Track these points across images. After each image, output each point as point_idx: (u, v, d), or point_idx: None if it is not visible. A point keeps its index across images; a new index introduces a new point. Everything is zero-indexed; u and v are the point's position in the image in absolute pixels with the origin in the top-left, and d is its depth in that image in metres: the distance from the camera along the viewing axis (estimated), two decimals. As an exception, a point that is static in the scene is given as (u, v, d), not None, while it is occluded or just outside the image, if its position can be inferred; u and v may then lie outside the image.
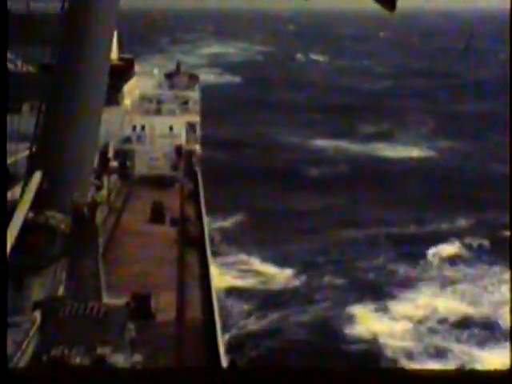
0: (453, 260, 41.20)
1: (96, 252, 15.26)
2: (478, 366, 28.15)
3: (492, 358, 29.23)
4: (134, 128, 41.89)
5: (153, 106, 45.94)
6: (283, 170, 60.92)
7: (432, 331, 32.43)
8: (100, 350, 14.23)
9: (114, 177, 35.24)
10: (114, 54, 39.83)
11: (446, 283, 37.67)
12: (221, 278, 35.47)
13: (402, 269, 39.53)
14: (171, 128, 42.22)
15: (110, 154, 32.20)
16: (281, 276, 38.24)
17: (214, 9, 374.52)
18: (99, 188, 19.90)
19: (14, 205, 14.14)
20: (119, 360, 14.31)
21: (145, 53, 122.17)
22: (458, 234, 44.71)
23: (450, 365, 28.83)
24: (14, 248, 13.05)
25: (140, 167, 39.85)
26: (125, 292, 17.32)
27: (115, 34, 27.81)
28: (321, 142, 73.68)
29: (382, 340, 31.22)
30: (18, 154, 17.29)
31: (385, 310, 34.20)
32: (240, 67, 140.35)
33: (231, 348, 28.21)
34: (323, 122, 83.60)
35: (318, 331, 32.24)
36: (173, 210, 33.46)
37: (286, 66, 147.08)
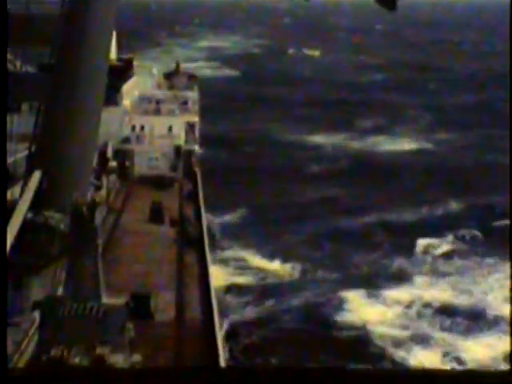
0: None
1: (95, 252, 15.25)
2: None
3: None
4: (133, 128, 41.86)
5: (152, 106, 45.88)
6: (283, 167, 61.01)
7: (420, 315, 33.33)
8: (99, 350, 14.23)
9: (113, 177, 35.23)
10: (113, 54, 39.81)
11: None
12: (220, 272, 35.75)
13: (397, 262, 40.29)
14: (170, 128, 42.18)
15: (109, 154, 32.14)
16: (280, 270, 38.54)
17: (211, 0, 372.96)
18: (98, 188, 19.84)
19: (14, 204, 14.14)
20: (118, 360, 14.32)
21: (142, 47, 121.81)
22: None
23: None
24: (13, 247, 13.04)
25: (139, 167, 39.82)
26: (124, 292, 17.33)
27: (114, 34, 27.79)
28: (319, 138, 73.78)
29: (370, 327, 32.04)
30: (18, 153, 17.29)
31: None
32: (237, 60, 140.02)
33: (227, 336, 28.92)
34: (320, 117, 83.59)
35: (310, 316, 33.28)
36: (172, 210, 33.48)
37: (280, 59, 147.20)
